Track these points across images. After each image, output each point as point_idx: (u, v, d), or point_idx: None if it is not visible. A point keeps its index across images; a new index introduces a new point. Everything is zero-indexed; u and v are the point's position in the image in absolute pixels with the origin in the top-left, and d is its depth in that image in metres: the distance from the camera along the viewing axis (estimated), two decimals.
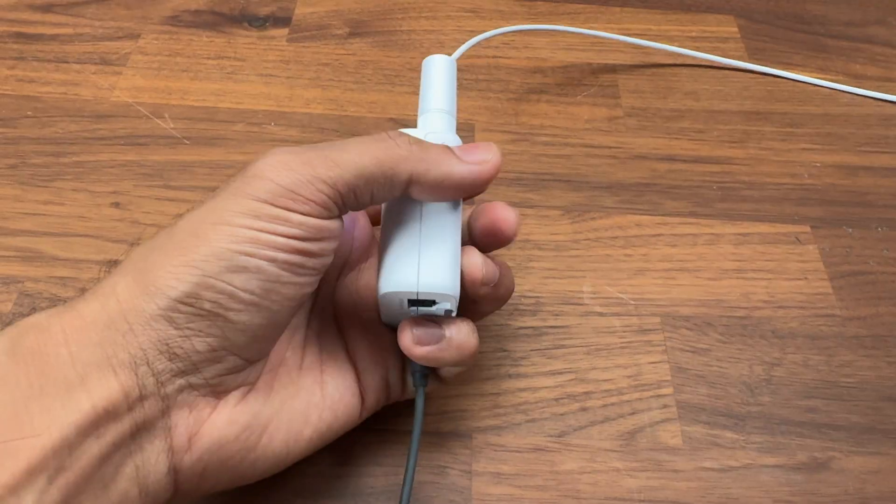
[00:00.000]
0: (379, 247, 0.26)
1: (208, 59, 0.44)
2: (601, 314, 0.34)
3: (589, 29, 0.48)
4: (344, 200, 0.23)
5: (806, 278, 0.36)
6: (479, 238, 0.28)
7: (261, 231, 0.22)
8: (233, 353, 0.23)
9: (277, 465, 0.25)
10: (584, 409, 0.31)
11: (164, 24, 0.46)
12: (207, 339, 0.22)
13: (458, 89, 0.43)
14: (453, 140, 0.27)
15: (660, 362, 0.33)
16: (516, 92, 0.44)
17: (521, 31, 0.47)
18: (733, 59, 0.46)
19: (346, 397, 0.26)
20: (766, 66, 0.46)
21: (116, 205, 0.37)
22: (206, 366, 0.22)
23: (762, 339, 0.34)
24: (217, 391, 0.23)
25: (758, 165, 0.41)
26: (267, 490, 0.28)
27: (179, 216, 0.23)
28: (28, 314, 0.22)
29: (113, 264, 0.34)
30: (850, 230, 0.38)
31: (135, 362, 0.21)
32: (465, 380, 0.32)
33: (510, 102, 0.43)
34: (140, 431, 0.21)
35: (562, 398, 0.32)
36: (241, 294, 0.22)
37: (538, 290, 0.35)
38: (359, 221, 0.29)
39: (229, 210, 0.22)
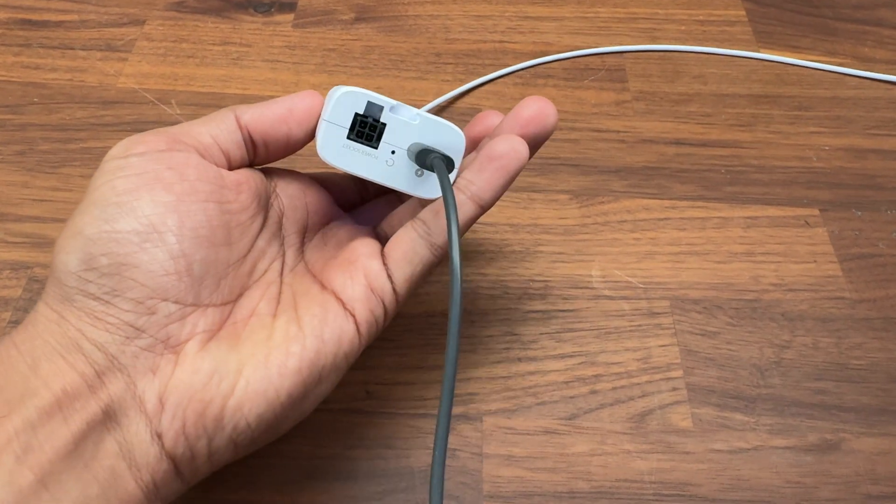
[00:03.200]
0: None
1: (214, 44, 0.44)
2: (610, 298, 0.34)
3: (594, 13, 0.48)
4: (184, 140, 0.25)
5: (815, 261, 0.36)
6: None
7: (114, 179, 0.23)
8: (160, 298, 0.23)
9: (270, 405, 0.23)
10: (594, 392, 0.31)
11: (170, 10, 0.46)
12: (126, 295, 0.22)
13: (465, 75, 0.43)
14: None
15: (669, 345, 0.33)
16: (523, 76, 0.43)
17: (527, 17, 0.47)
18: (741, 41, 0.46)
19: (328, 320, 0.24)
20: (773, 50, 0.46)
21: None
22: (143, 323, 0.22)
23: (772, 322, 0.34)
24: (170, 345, 0.23)
25: (766, 149, 0.41)
26: (279, 471, 0.28)
27: None
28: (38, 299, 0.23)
29: None
30: (860, 213, 0.38)
31: (77, 343, 0.21)
32: (475, 363, 0.32)
33: (517, 87, 0.43)
34: (111, 408, 0.21)
35: (572, 381, 0.32)
36: (126, 235, 0.22)
37: (547, 274, 0.35)
38: (309, 189, 0.29)
39: (90, 185, 0.24)
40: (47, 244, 0.35)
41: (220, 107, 0.40)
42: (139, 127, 0.39)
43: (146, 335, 0.22)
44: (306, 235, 0.28)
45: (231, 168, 0.26)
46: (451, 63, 0.44)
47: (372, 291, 0.25)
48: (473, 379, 0.32)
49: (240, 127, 0.26)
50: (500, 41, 0.45)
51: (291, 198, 0.28)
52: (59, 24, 0.45)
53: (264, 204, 0.27)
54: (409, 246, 0.25)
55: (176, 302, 0.23)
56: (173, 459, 0.22)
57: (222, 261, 0.25)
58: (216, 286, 0.24)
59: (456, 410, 0.31)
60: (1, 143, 0.38)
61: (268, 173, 0.28)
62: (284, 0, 0.47)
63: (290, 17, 0.46)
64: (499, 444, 0.30)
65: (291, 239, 0.28)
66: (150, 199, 0.23)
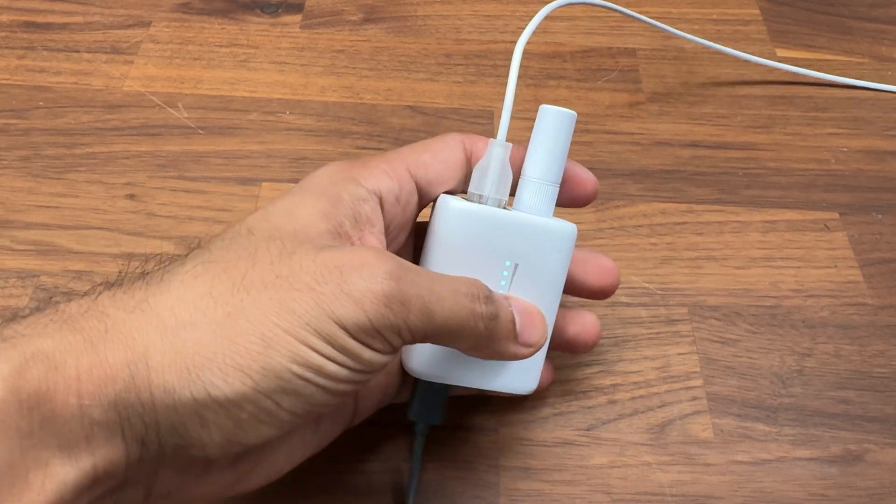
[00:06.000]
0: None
1: (221, 46, 0.43)
2: (628, 304, 0.34)
3: (606, 13, 0.47)
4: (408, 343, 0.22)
5: (836, 266, 0.35)
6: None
7: (330, 361, 0.20)
8: (242, 446, 0.21)
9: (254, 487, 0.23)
10: (612, 402, 0.31)
11: (175, 12, 0.45)
12: (225, 435, 0.20)
13: (476, 76, 0.43)
14: (546, 213, 0.26)
15: (688, 353, 0.32)
16: (535, 77, 0.43)
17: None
18: (756, 41, 0.45)
19: (338, 425, 0.25)
20: (789, 49, 0.45)
21: (131, 196, 0.36)
22: (211, 450, 0.20)
23: (792, 329, 0.33)
24: (209, 460, 0.21)
25: (783, 151, 0.40)
26: (294, 486, 0.28)
27: (242, 231, 0.22)
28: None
29: (142, 263, 0.33)
30: (880, 216, 0.37)
31: (146, 434, 0.19)
32: None
33: (529, 89, 0.42)
34: (127, 482, 0.20)
35: (589, 391, 0.31)
36: (282, 414, 0.20)
37: None
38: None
39: (303, 318, 0.20)
40: (53, 252, 0.34)
41: (227, 110, 0.40)
42: (146, 131, 0.39)
43: (202, 451, 0.20)
44: None
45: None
46: (461, 64, 0.43)
47: (383, 387, 0.26)
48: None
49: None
50: (512, 41, 0.45)
51: None
52: (63, 26, 0.44)
53: None
54: None
55: (248, 447, 0.21)
56: None
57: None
58: None
59: (471, 421, 0.30)
60: (5, 149, 0.38)
61: None
62: (292, 1, 0.46)
63: (297, 17, 0.45)
64: (516, 456, 0.29)
65: None
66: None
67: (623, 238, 0.36)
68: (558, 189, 0.26)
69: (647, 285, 0.34)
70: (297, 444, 0.24)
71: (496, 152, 0.26)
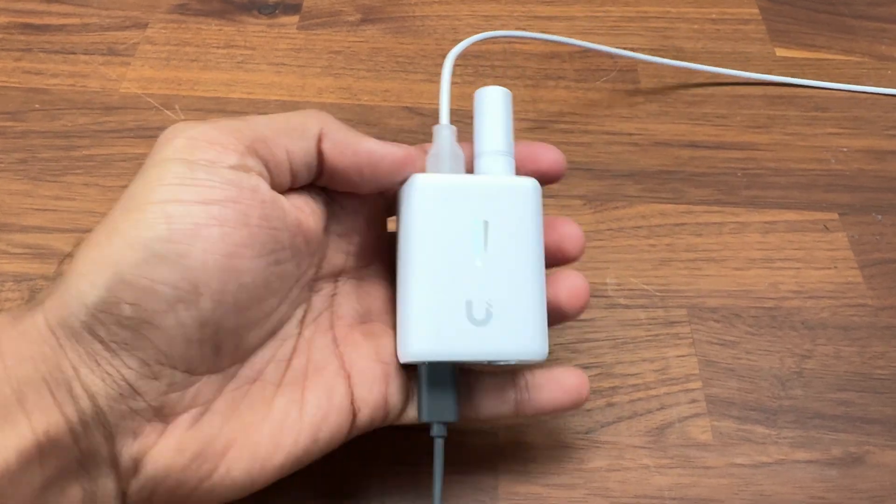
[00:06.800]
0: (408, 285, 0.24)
1: (218, 48, 0.43)
2: (626, 306, 0.33)
3: (605, 12, 0.47)
4: (258, 151, 0.22)
5: (835, 267, 0.35)
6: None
7: (173, 202, 0.20)
8: (170, 365, 0.20)
9: (240, 492, 0.22)
10: (610, 405, 0.31)
11: (172, 13, 0.45)
12: (136, 353, 0.20)
13: (474, 77, 0.42)
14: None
15: (687, 355, 0.32)
16: (533, 78, 0.43)
17: (537, 17, 0.46)
18: (755, 40, 0.45)
19: (330, 416, 0.23)
20: (788, 48, 0.45)
21: None
22: (143, 386, 0.20)
23: (792, 331, 0.33)
24: (163, 414, 0.21)
25: (783, 151, 0.40)
26: (289, 489, 0.28)
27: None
28: None
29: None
30: (880, 217, 0.37)
31: (69, 383, 0.19)
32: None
33: (527, 89, 0.42)
34: (86, 458, 0.20)
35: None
36: (162, 289, 0.20)
37: None
38: (356, 225, 0.27)
39: (142, 192, 0.20)
40: (50, 255, 0.34)
41: (224, 112, 0.40)
42: (143, 133, 0.39)
43: (141, 399, 0.20)
44: (339, 278, 0.26)
45: (292, 188, 0.24)
46: (459, 65, 0.43)
47: (385, 402, 0.24)
48: None
49: (318, 150, 0.23)
50: (510, 42, 0.45)
51: (338, 236, 0.26)
52: (60, 28, 0.44)
53: (316, 248, 0.24)
54: None
55: (185, 371, 0.21)
56: None
57: (250, 324, 0.22)
58: (233, 351, 0.22)
59: (470, 425, 0.30)
60: (2, 151, 0.38)
61: (325, 200, 0.25)
62: (289, 1, 0.46)
63: (294, 18, 0.45)
64: (514, 460, 0.29)
65: (323, 283, 0.26)
66: (202, 250, 0.20)
67: (622, 239, 0.36)
68: (513, 161, 0.26)
69: (645, 287, 0.34)
70: (280, 424, 0.22)
71: (443, 134, 0.26)
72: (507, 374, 0.26)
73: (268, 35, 0.44)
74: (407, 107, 0.41)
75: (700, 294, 0.34)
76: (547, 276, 0.25)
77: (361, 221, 0.26)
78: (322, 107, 0.40)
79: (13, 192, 0.36)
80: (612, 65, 0.44)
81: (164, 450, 0.21)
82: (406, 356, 0.24)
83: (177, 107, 0.40)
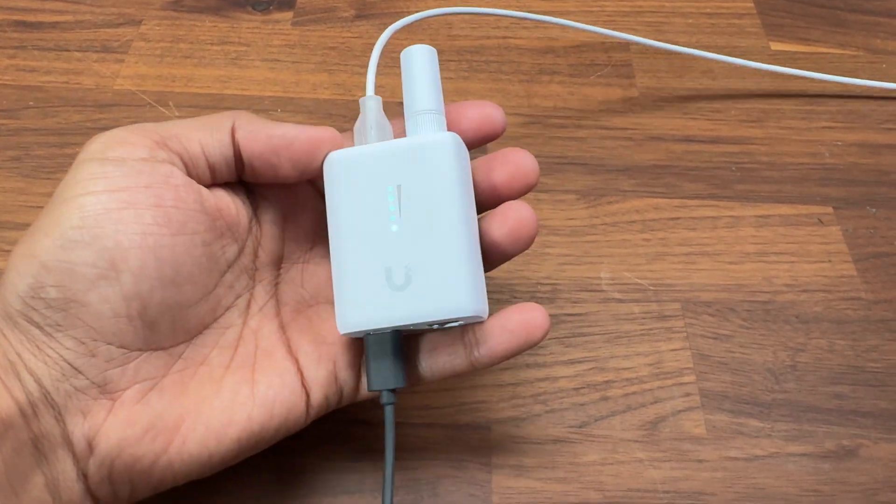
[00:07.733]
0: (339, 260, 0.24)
1: (212, 44, 0.43)
2: (620, 301, 0.33)
3: (599, 7, 0.46)
4: (169, 146, 0.23)
5: (829, 261, 0.35)
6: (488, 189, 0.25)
7: (85, 194, 0.21)
8: (104, 341, 0.21)
9: (200, 467, 0.23)
10: (604, 399, 0.31)
11: (166, 10, 0.45)
12: (69, 332, 0.21)
13: (468, 72, 0.42)
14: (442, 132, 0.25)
15: (681, 349, 0.32)
16: (528, 73, 0.43)
17: (530, 11, 0.46)
18: (750, 34, 0.45)
19: (282, 394, 0.24)
20: (783, 42, 0.45)
21: None
22: (82, 364, 0.21)
23: (786, 325, 0.33)
24: (107, 391, 0.22)
25: (777, 145, 0.40)
26: (283, 485, 0.28)
27: None
28: None
29: None
30: (874, 210, 0.37)
31: (15, 368, 0.21)
32: (483, 370, 0.31)
33: (522, 84, 0.42)
34: (41, 441, 0.20)
35: (582, 388, 0.31)
36: (81, 269, 0.21)
37: (555, 277, 0.34)
38: (293, 211, 0.27)
39: (60, 192, 0.22)
40: None
41: (218, 109, 0.40)
42: None
43: (83, 377, 0.21)
44: (282, 266, 0.27)
45: (215, 182, 0.25)
46: (454, 60, 0.43)
47: (335, 379, 0.25)
48: (480, 386, 0.31)
49: (233, 141, 0.24)
50: (504, 37, 0.45)
51: (271, 224, 0.26)
52: (53, 25, 0.44)
53: (243, 233, 0.25)
54: None
55: (120, 346, 0.22)
56: (96, 499, 0.22)
57: (183, 301, 0.23)
58: (170, 329, 0.23)
59: (463, 419, 0.30)
60: None
61: (251, 191, 0.26)
62: None
63: (289, 14, 0.45)
64: (508, 454, 0.29)
65: (264, 272, 0.26)
66: (115, 231, 0.21)
67: (616, 234, 0.36)
68: (443, 118, 0.25)
69: (639, 281, 0.34)
70: (231, 401, 0.23)
71: (369, 105, 0.26)
72: (456, 331, 0.25)
73: (262, 31, 0.44)
74: (401, 102, 0.40)
75: (694, 288, 0.34)
76: (489, 214, 0.25)
77: (292, 207, 0.27)
78: (317, 103, 0.40)
79: (7, 189, 0.36)
80: (607, 60, 0.43)
81: (114, 425, 0.22)
82: (341, 330, 0.24)
83: (171, 103, 0.40)
